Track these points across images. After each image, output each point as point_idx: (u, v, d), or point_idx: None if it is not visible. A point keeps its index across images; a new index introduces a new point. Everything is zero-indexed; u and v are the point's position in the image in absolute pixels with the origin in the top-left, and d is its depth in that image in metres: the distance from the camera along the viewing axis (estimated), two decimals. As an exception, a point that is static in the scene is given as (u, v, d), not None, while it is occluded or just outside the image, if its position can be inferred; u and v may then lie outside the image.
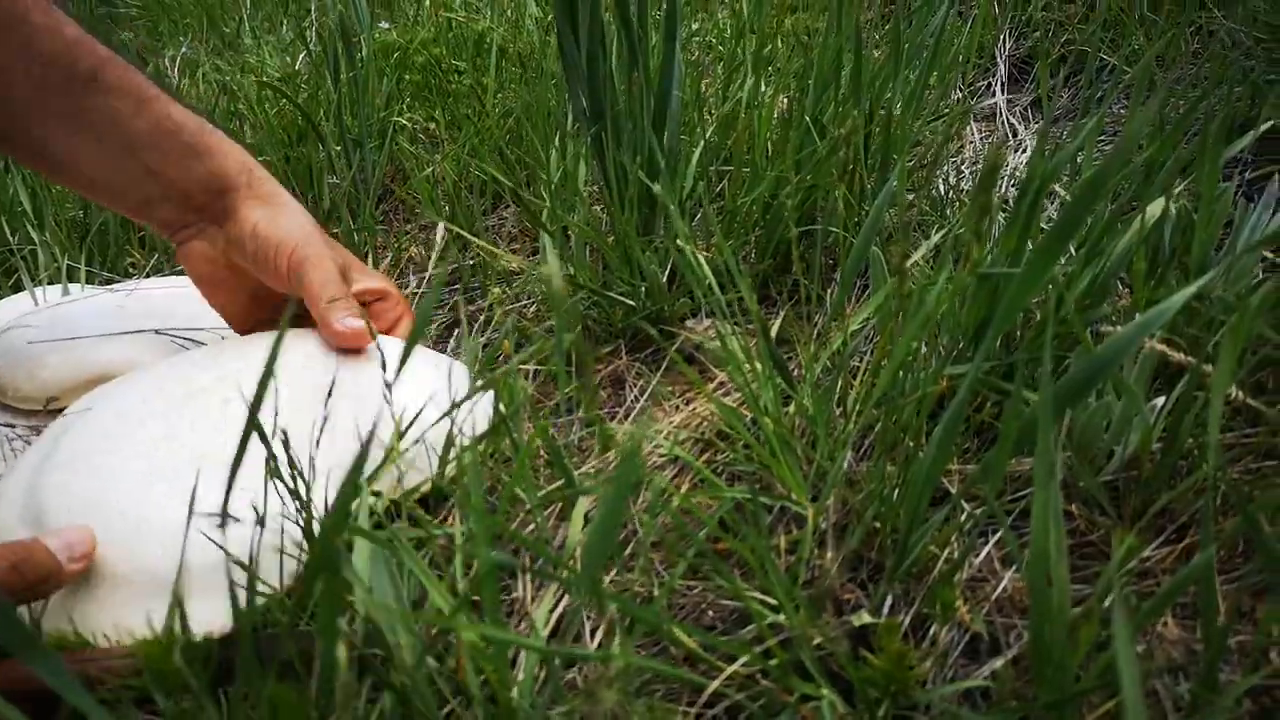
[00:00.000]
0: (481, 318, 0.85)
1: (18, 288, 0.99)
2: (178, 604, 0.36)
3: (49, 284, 0.96)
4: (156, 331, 0.75)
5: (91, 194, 0.67)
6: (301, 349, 0.64)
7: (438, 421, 0.54)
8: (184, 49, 2.07)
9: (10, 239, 1.01)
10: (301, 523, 0.47)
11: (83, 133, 0.61)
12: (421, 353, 0.69)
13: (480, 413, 0.64)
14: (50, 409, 0.69)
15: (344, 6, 1.28)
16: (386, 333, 0.71)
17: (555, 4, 0.79)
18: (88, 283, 0.99)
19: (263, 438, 0.38)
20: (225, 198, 0.66)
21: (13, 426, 0.68)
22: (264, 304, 0.72)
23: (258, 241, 0.65)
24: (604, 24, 0.78)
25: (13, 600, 0.46)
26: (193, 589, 0.49)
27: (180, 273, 0.96)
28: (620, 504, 0.28)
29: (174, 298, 0.84)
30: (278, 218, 0.66)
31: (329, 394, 0.59)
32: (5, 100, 0.59)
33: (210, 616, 0.48)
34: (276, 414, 0.57)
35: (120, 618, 0.49)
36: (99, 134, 0.61)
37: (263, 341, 0.67)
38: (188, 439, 0.57)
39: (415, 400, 0.61)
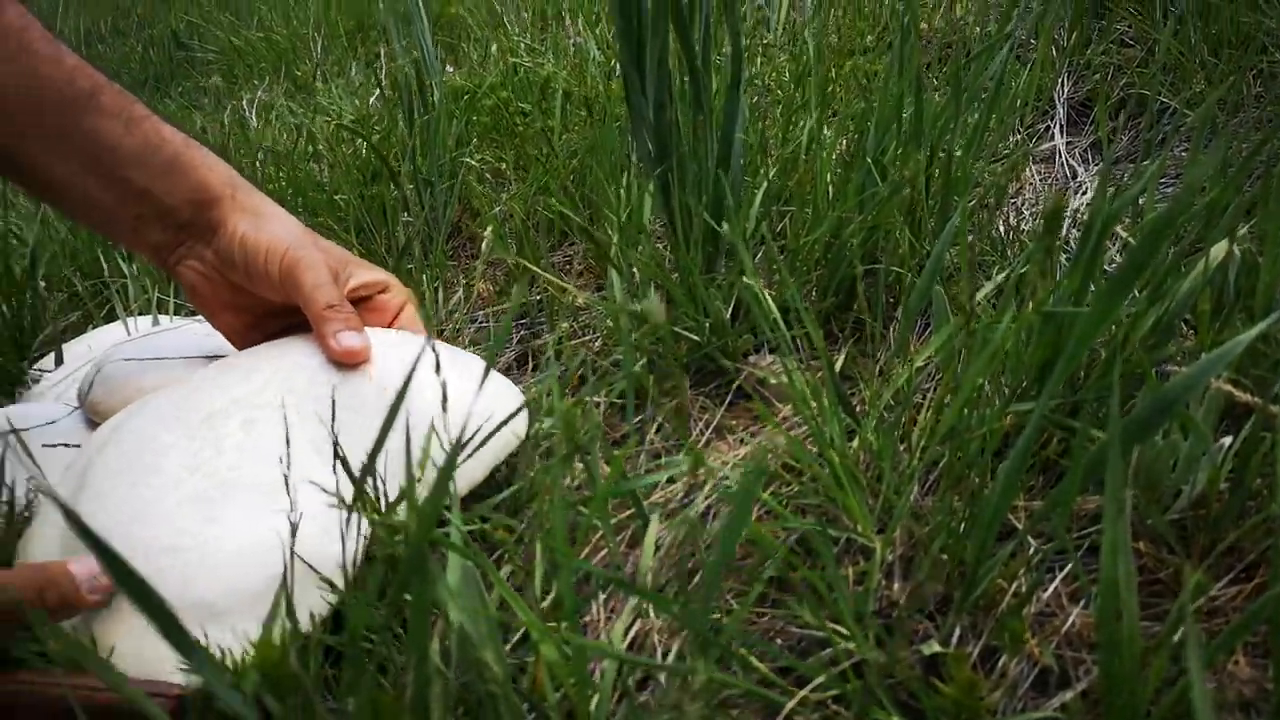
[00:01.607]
0: (549, 352, 0.88)
1: (110, 318, 1.04)
2: (285, 605, 0.38)
3: (139, 315, 1.01)
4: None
5: (88, 220, 0.68)
6: (301, 360, 0.65)
7: (495, 431, 0.55)
8: (260, 92, 2.16)
9: (104, 272, 1.07)
10: (366, 536, 0.50)
11: (77, 155, 0.62)
12: (444, 351, 0.69)
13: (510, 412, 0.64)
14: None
15: (414, 53, 1.34)
16: (390, 324, 0.71)
17: (622, 52, 0.82)
18: (173, 314, 1.03)
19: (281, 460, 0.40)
20: (210, 211, 0.66)
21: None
22: (266, 321, 0.71)
23: (246, 250, 0.64)
24: (670, 71, 0.82)
25: (18, 620, 0.48)
26: (245, 611, 0.51)
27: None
28: (745, 517, 0.30)
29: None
30: (264, 225, 0.65)
31: (334, 408, 0.60)
32: (6, 125, 0.60)
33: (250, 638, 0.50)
34: (287, 433, 0.58)
35: (155, 644, 0.50)
36: (91, 155, 0.62)
37: (265, 357, 0.67)
38: (215, 465, 0.58)
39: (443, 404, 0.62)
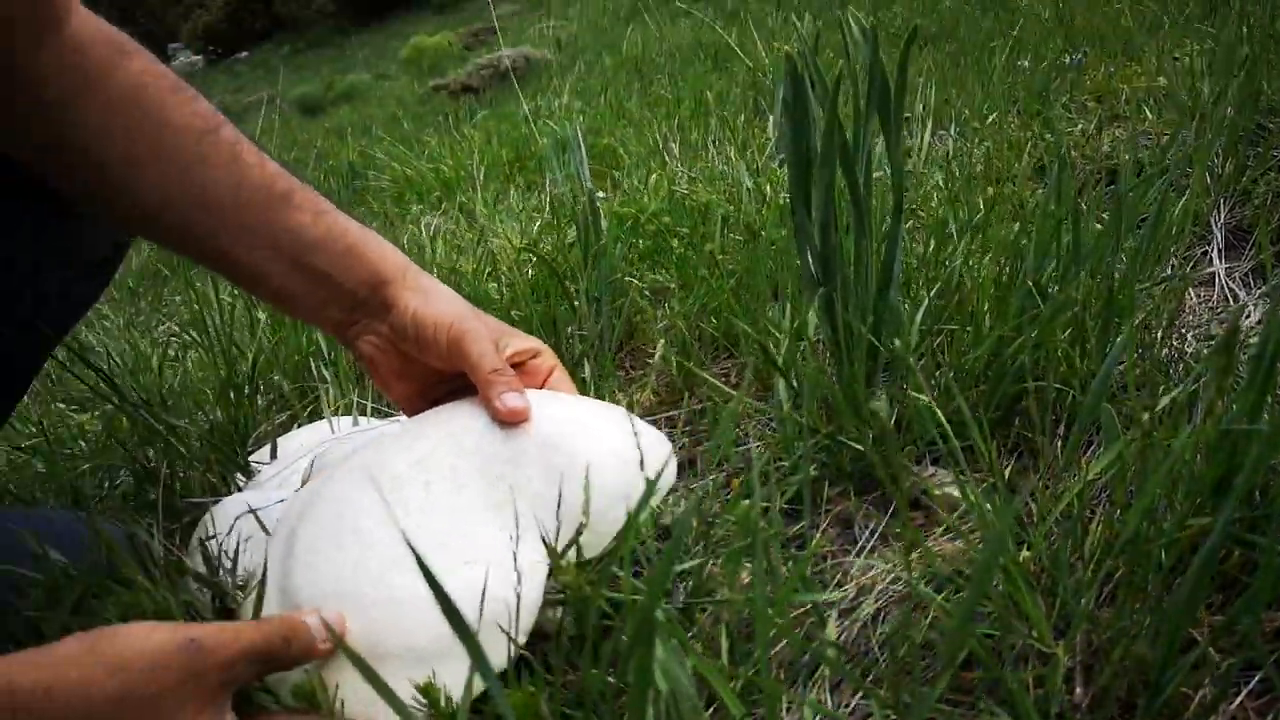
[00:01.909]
0: (714, 459, 0.93)
1: (313, 417, 1.16)
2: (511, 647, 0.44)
3: (340, 415, 1.12)
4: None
5: (278, 302, 0.76)
6: (468, 422, 0.70)
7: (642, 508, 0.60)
8: (433, 218, 2.36)
9: (309, 376, 1.19)
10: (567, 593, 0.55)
11: (271, 245, 0.70)
12: (593, 406, 0.75)
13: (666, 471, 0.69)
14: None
15: (581, 183, 1.46)
16: (542, 385, 0.77)
17: (791, 182, 0.90)
18: (365, 415, 1.14)
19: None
20: (384, 290, 0.73)
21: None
22: (434, 388, 0.78)
23: (417, 323, 0.71)
24: (834, 198, 0.88)
25: (273, 668, 0.55)
26: (449, 655, 0.57)
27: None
28: (988, 579, 0.34)
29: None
30: (433, 301, 0.72)
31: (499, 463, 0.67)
32: (215, 221, 0.69)
33: (457, 680, 0.56)
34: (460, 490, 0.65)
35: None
36: (282, 244, 0.70)
37: (434, 423, 0.73)
38: (405, 523, 0.64)
39: (599, 459, 0.67)
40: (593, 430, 0.70)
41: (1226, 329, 0.45)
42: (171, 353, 1.49)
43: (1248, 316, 1.00)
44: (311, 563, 0.65)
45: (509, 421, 0.68)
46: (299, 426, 1.13)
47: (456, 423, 0.71)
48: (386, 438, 0.74)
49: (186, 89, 0.70)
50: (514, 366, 0.77)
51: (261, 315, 1.42)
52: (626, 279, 1.28)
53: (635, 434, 0.70)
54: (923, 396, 0.70)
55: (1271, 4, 1.64)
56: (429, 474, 0.67)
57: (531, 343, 0.78)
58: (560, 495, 0.65)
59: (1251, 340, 0.91)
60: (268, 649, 0.54)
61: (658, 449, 0.72)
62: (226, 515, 0.78)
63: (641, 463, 0.68)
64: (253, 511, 0.76)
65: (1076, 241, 0.81)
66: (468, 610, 0.58)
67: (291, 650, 0.55)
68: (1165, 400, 0.69)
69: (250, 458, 1.04)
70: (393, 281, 0.73)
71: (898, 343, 0.78)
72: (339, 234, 0.72)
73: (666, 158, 2.10)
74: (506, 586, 0.60)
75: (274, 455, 1.01)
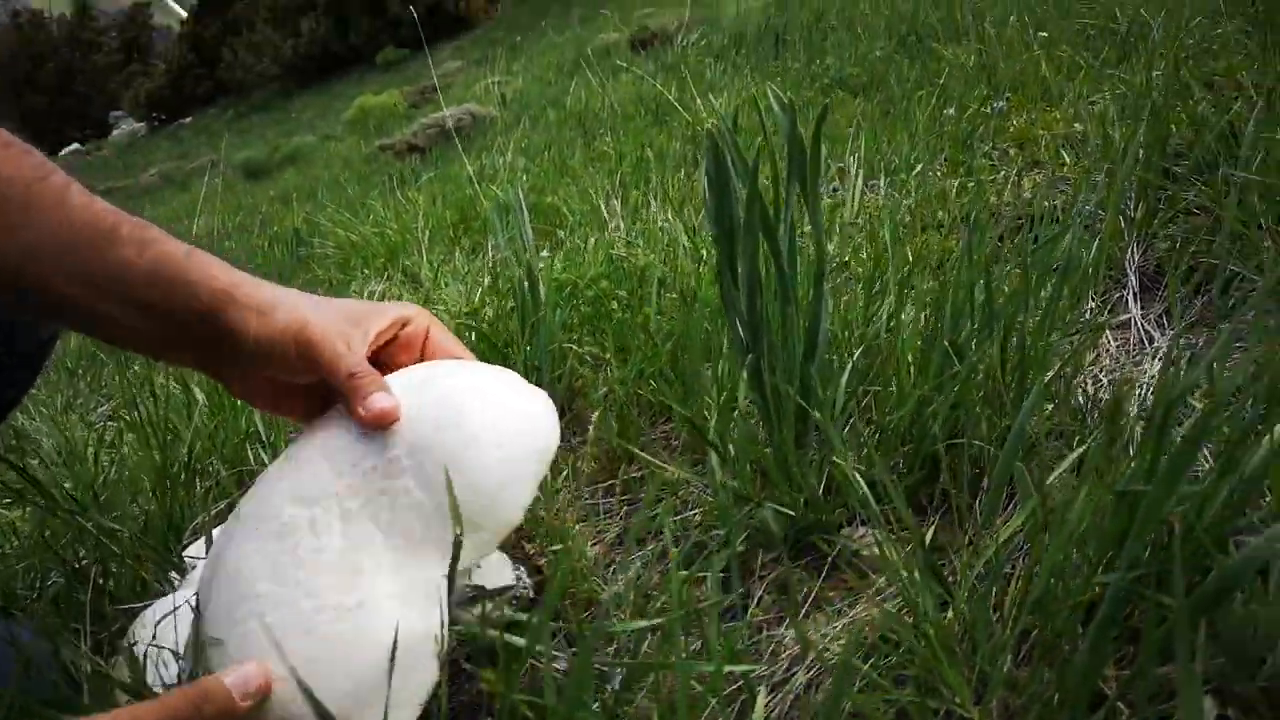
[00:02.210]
0: (651, 528, 0.94)
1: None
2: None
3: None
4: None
5: (133, 347, 0.69)
6: (338, 436, 0.66)
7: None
8: (373, 283, 2.36)
9: (247, 459, 1.19)
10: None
11: (103, 284, 0.64)
12: (470, 380, 0.69)
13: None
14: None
15: (517, 245, 1.48)
16: (423, 352, 0.72)
17: (718, 252, 0.92)
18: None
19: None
20: (219, 318, 0.65)
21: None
22: (327, 396, 0.71)
23: (262, 347, 0.65)
24: (760, 268, 0.91)
25: None
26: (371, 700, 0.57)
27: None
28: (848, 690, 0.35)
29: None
30: (272, 316, 0.66)
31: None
32: (47, 268, 0.63)
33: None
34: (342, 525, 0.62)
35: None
36: (113, 282, 0.64)
37: (309, 444, 0.68)
38: (297, 577, 0.60)
39: (475, 454, 0.64)
40: (467, 417, 0.65)
41: (1110, 401, 0.47)
42: (108, 437, 1.47)
43: (1159, 359, 1.04)
44: (218, 643, 0.61)
45: (377, 426, 0.64)
46: (239, 512, 1.12)
47: (331, 440, 0.66)
48: (271, 473, 0.68)
49: (17, 144, 0.64)
50: (385, 346, 0.72)
51: (200, 396, 1.41)
52: (566, 346, 1.29)
53: (515, 407, 0.67)
54: (844, 463, 0.72)
55: (1175, 54, 1.72)
56: (313, 510, 0.63)
57: (396, 312, 0.73)
58: (440, 502, 0.62)
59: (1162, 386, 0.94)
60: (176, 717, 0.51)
61: (542, 419, 0.69)
62: (157, 619, 0.77)
63: (526, 436, 0.65)
64: (173, 611, 0.75)
65: (989, 302, 0.84)
66: (362, 661, 0.57)
67: (205, 716, 0.52)
68: (1074, 455, 0.71)
69: (186, 552, 1.02)
70: (225, 306, 0.65)
71: (816, 415, 0.80)
72: (164, 264, 0.65)
73: (607, 217, 2.13)
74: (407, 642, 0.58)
75: (209, 548, 1.00)
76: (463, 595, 0.75)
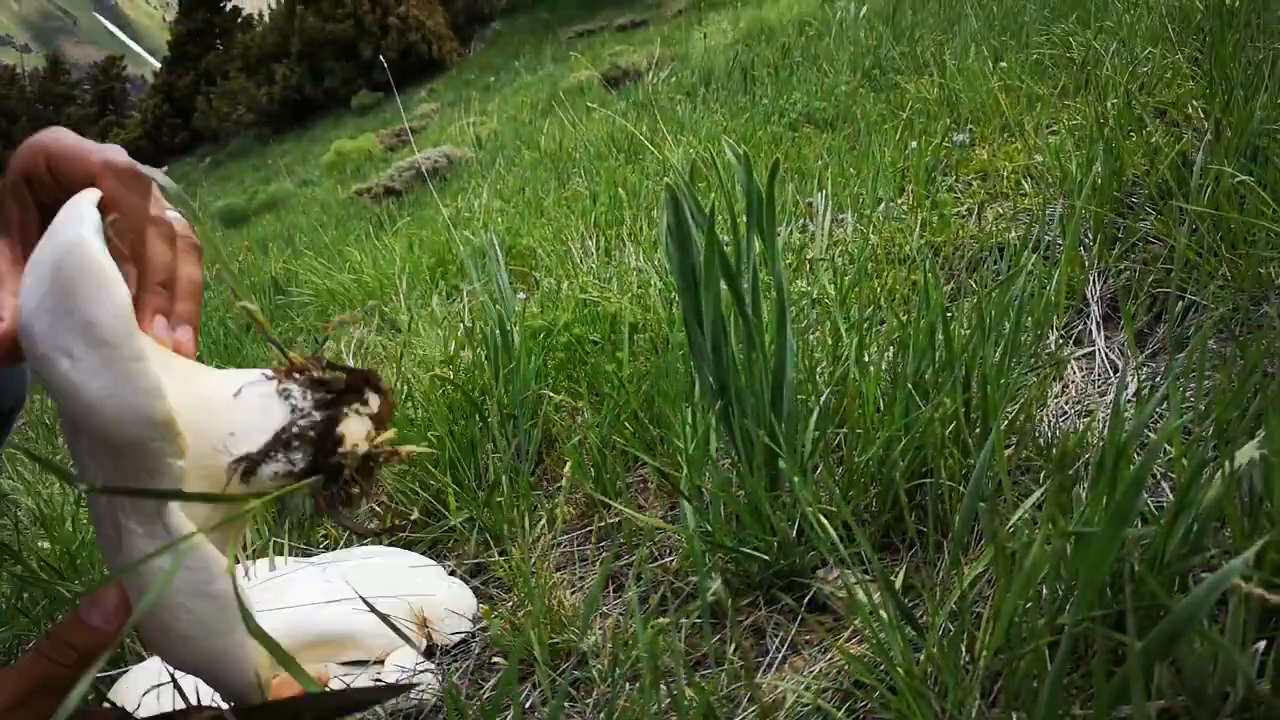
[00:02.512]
0: (630, 573, 0.95)
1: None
2: None
3: (252, 558, 1.11)
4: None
5: None
6: None
7: None
8: (356, 331, 2.37)
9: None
10: None
11: None
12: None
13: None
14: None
15: (493, 289, 1.49)
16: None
17: (683, 301, 0.93)
18: (280, 555, 1.13)
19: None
20: None
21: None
22: None
23: None
24: (724, 317, 0.92)
25: (65, 682, 0.48)
26: None
27: (370, 542, 1.10)
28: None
29: (364, 569, 0.97)
30: None
31: None
32: None
33: None
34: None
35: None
36: None
37: None
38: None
39: None
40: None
41: (1057, 454, 0.48)
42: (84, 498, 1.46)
43: (1126, 389, 1.06)
44: None
45: None
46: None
47: None
48: None
49: None
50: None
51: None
52: (541, 393, 1.30)
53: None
54: (812, 509, 0.73)
55: (1127, 86, 1.76)
56: None
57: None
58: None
59: (1128, 415, 0.96)
60: (38, 673, 0.48)
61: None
62: (136, 686, 0.77)
63: None
64: (158, 686, 0.75)
65: (948, 345, 0.86)
66: None
67: (71, 654, 0.48)
68: (1034, 497, 0.73)
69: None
70: None
71: (781, 464, 0.81)
72: None
73: (579, 259, 2.15)
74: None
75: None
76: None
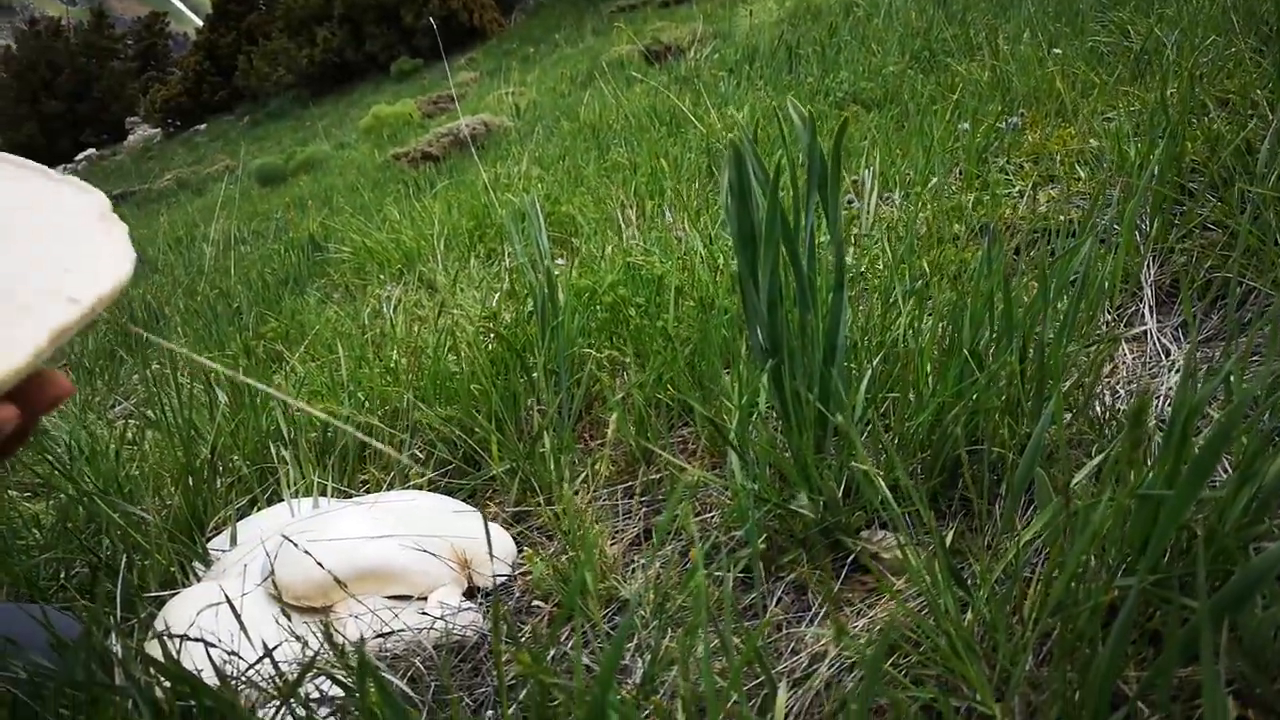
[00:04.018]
0: (663, 531, 0.95)
1: (273, 498, 1.16)
2: None
3: (301, 496, 1.13)
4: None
5: None
6: None
7: None
8: (394, 289, 2.38)
9: (269, 457, 1.20)
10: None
11: None
12: None
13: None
14: (324, 606, 0.81)
15: (533, 252, 1.49)
16: None
17: (739, 259, 0.93)
18: (324, 496, 1.15)
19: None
20: None
21: (289, 618, 0.80)
22: None
23: None
24: (780, 275, 0.92)
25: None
26: None
27: (410, 486, 1.11)
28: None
29: (410, 508, 0.98)
30: None
31: None
32: None
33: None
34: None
35: None
36: None
37: None
38: None
39: None
40: None
41: (1134, 408, 0.48)
42: (129, 435, 1.49)
43: (1176, 372, 1.04)
44: None
45: None
46: (258, 510, 1.13)
47: None
48: None
49: None
50: None
51: (221, 396, 1.42)
52: (585, 351, 1.30)
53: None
54: (866, 467, 0.72)
55: (1190, 73, 1.73)
56: None
57: None
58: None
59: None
60: None
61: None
62: (183, 609, 0.78)
63: None
64: (215, 604, 0.77)
65: (1008, 311, 0.85)
66: None
67: None
68: (1093, 464, 0.72)
69: (209, 544, 1.04)
70: None
71: (839, 418, 0.81)
72: None
73: (623, 227, 2.14)
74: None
75: (234, 542, 1.01)
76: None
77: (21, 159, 0.57)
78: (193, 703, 0.60)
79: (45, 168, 0.57)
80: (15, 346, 0.42)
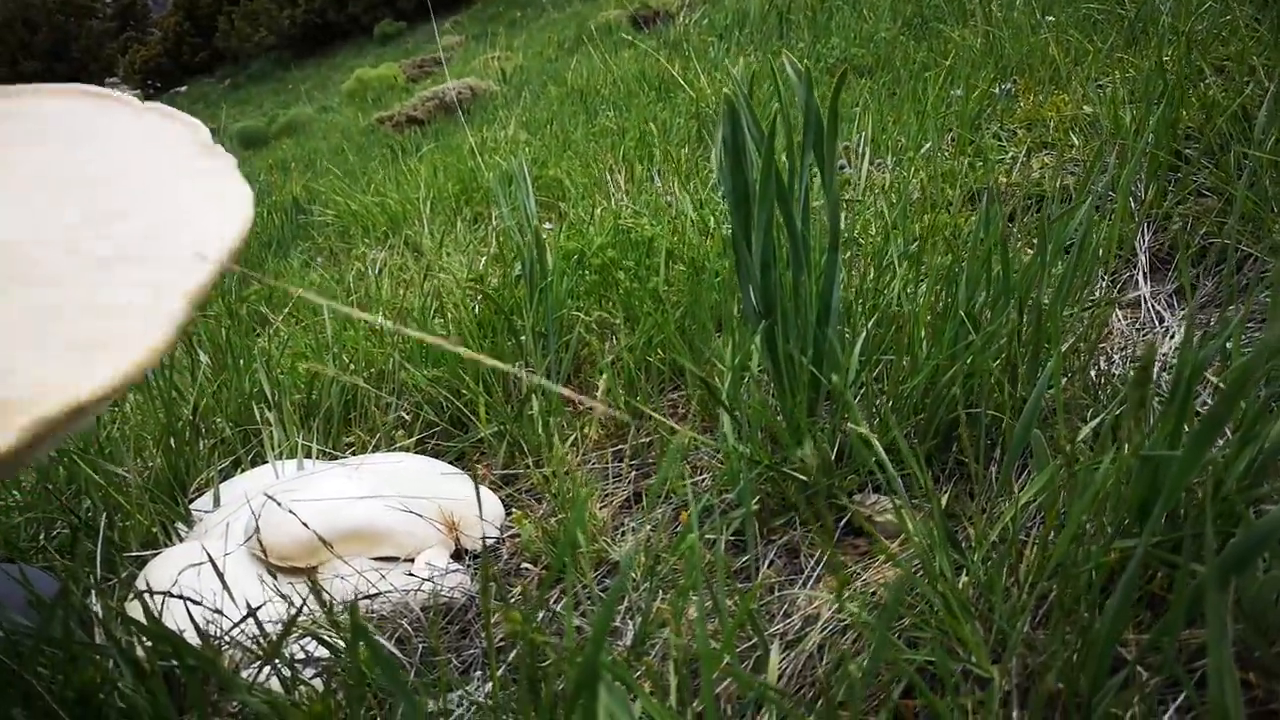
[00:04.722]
0: (658, 493, 0.94)
1: (256, 460, 1.14)
2: None
3: (284, 458, 1.11)
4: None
5: None
6: None
7: None
8: (379, 253, 2.35)
9: (252, 419, 1.18)
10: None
11: None
12: None
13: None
14: (309, 567, 0.80)
15: (520, 214, 1.47)
16: None
17: (733, 219, 0.91)
18: (309, 458, 1.13)
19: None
20: None
21: (274, 578, 0.79)
22: None
23: None
24: (774, 235, 0.90)
25: None
26: None
27: (396, 449, 1.10)
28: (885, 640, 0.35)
29: (395, 471, 0.97)
30: None
31: None
32: None
33: None
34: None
35: None
36: None
37: None
38: None
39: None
40: None
41: (1141, 358, 0.47)
42: (110, 397, 1.46)
43: (1171, 337, 1.04)
44: None
45: None
46: (242, 471, 1.11)
47: None
48: None
49: None
50: None
51: (204, 357, 1.40)
52: (573, 314, 1.29)
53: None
54: (860, 429, 0.71)
55: (1187, 39, 1.71)
56: None
57: None
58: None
59: (1173, 363, 0.94)
60: None
61: None
62: (165, 569, 0.77)
63: None
64: (199, 564, 0.75)
65: (1005, 272, 0.84)
66: None
67: None
68: (1090, 426, 0.71)
69: (192, 505, 1.02)
70: None
71: (834, 378, 0.80)
72: None
73: (612, 191, 2.12)
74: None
75: (217, 503, 0.99)
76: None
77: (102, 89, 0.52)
78: (174, 662, 0.59)
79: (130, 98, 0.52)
80: (154, 321, 0.36)
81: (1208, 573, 0.41)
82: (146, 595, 0.68)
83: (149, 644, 0.59)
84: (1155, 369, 0.94)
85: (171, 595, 0.64)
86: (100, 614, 0.65)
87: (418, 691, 0.67)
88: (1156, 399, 0.88)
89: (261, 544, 0.81)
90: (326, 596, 0.62)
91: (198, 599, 0.67)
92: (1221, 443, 0.71)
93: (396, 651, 0.74)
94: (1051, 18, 2.62)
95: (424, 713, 0.44)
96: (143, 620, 0.57)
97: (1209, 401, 0.85)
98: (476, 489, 0.84)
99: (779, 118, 0.87)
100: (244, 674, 0.65)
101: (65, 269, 0.38)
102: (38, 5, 31.92)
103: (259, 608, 0.64)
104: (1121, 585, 0.48)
